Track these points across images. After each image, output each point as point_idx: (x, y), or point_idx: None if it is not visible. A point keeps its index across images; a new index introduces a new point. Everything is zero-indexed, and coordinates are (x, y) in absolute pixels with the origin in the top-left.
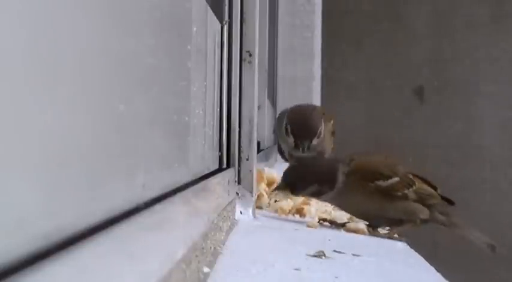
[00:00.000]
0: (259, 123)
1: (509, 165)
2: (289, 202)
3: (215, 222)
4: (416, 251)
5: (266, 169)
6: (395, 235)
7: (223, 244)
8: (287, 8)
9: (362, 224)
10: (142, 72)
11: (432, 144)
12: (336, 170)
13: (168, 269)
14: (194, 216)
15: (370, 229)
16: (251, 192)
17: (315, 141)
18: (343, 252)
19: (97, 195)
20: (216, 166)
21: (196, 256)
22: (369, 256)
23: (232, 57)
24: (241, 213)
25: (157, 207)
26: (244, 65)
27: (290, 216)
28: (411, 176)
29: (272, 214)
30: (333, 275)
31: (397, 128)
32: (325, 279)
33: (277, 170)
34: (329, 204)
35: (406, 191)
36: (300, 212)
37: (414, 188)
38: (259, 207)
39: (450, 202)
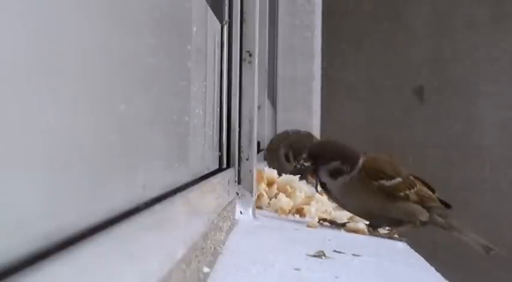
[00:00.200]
0: (259, 123)
1: (509, 165)
2: (289, 202)
3: (215, 222)
4: (416, 251)
5: (266, 169)
6: (396, 235)
7: (223, 244)
8: (287, 8)
9: (362, 224)
10: (142, 72)
11: (432, 144)
12: (358, 153)
13: (168, 269)
14: (194, 216)
15: (370, 229)
16: (251, 192)
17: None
18: (343, 252)
19: (97, 195)
20: (216, 166)
21: (196, 256)
22: (369, 256)
23: (232, 57)
24: (241, 213)
25: (158, 207)
26: (244, 65)
27: (290, 216)
28: (412, 178)
29: (272, 214)
30: (333, 275)
31: (397, 128)
32: (325, 279)
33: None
34: (329, 205)
35: (407, 192)
36: (300, 212)
37: (415, 189)
38: (259, 207)
39: (447, 205)
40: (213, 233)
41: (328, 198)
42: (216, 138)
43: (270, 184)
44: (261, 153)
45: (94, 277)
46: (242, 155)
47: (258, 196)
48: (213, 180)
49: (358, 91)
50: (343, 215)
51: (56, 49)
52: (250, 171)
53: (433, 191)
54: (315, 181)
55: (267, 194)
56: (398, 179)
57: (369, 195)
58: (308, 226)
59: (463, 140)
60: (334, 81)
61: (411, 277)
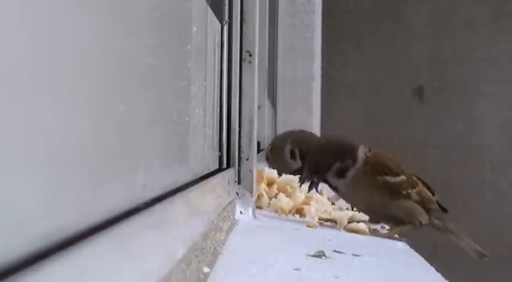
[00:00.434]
0: (259, 123)
1: (509, 165)
2: (289, 202)
3: (215, 222)
4: (416, 251)
5: (266, 169)
6: (396, 235)
7: (223, 244)
8: (287, 8)
9: (363, 224)
10: (142, 72)
11: (432, 144)
12: (354, 146)
13: (168, 269)
14: (194, 216)
15: (371, 229)
16: (251, 192)
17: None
18: (343, 252)
19: (97, 195)
20: (216, 166)
21: (196, 256)
22: (369, 256)
23: (232, 57)
24: (241, 213)
25: (158, 207)
26: (244, 65)
27: (290, 216)
28: (415, 178)
29: (272, 214)
30: (333, 275)
31: (397, 128)
32: (325, 279)
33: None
34: (329, 205)
35: (410, 191)
36: (300, 212)
37: (417, 189)
38: (259, 207)
39: (444, 209)
40: (213, 233)
41: (331, 198)
42: (216, 138)
43: (270, 184)
44: (261, 153)
45: (94, 277)
46: (242, 155)
47: (258, 196)
48: (213, 180)
49: (358, 91)
50: (343, 215)
51: (56, 49)
52: (250, 171)
53: (432, 193)
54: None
55: (267, 194)
56: (403, 177)
57: (373, 190)
58: (308, 226)
59: (463, 140)
60: (334, 81)
61: (411, 277)
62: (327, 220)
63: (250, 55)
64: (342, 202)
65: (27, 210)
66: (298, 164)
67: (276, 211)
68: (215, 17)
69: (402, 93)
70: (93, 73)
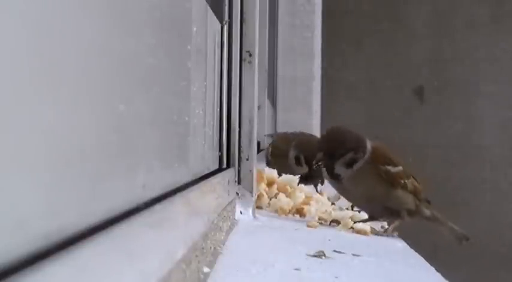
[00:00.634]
0: (259, 123)
1: (509, 165)
2: (289, 202)
3: (215, 222)
4: (416, 251)
5: (266, 169)
6: (395, 233)
7: (223, 244)
8: (287, 8)
9: (368, 226)
10: (142, 72)
11: (432, 144)
12: (364, 137)
13: (168, 269)
14: (194, 216)
15: (373, 229)
16: (251, 192)
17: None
18: (343, 252)
19: (97, 195)
20: (216, 166)
21: (196, 256)
22: (369, 256)
23: (232, 57)
24: (241, 213)
25: (158, 207)
26: (244, 65)
27: (290, 216)
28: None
29: (272, 214)
30: (333, 275)
31: (397, 128)
32: (325, 279)
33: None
34: (329, 204)
35: (406, 181)
36: (300, 212)
37: (411, 180)
38: (259, 207)
39: (428, 201)
40: (213, 233)
41: (331, 198)
42: (216, 138)
43: (270, 184)
44: (261, 153)
45: (94, 277)
46: (242, 155)
47: (258, 196)
48: (213, 180)
49: (358, 91)
50: (343, 215)
51: (56, 49)
52: (250, 171)
53: (418, 183)
54: (314, 184)
55: (267, 194)
56: (400, 168)
57: (375, 180)
58: (308, 226)
59: (463, 140)
60: (334, 81)
61: (411, 277)
62: (332, 221)
63: (250, 55)
64: (342, 202)
65: (27, 210)
66: (304, 169)
67: (276, 211)
68: (215, 17)
69: (402, 93)
70: (94, 73)
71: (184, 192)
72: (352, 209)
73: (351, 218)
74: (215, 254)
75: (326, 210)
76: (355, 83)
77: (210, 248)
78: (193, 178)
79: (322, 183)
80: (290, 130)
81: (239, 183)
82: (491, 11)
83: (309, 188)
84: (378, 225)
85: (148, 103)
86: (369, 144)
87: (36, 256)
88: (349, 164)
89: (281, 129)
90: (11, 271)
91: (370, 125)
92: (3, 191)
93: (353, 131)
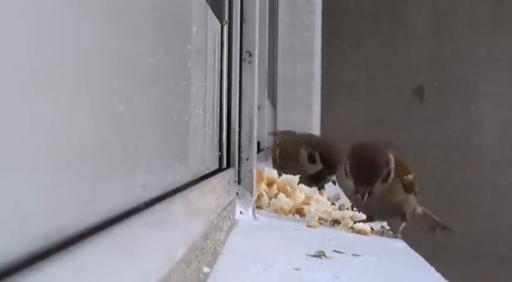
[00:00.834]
0: (259, 123)
1: (509, 165)
2: (289, 202)
3: (215, 222)
4: (416, 251)
5: (266, 169)
6: (399, 234)
7: (223, 244)
8: (287, 8)
9: (368, 226)
10: (142, 72)
11: (432, 144)
12: (387, 150)
13: (168, 269)
14: (194, 216)
15: (373, 229)
16: (251, 192)
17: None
18: (343, 252)
19: (97, 195)
20: (216, 166)
21: (196, 256)
22: (369, 256)
23: (232, 57)
24: (241, 213)
25: (158, 207)
26: (244, 65)
27: (290, 216)
28: None
29: (272, 214)
30: (333, 275)
31: (397, 128)
32: (325, 279)
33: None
34: (329, 205)
35: (416, 188)
36: (300, 212)
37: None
38: (259, 207)
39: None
40: (213, 233)
41: (331, 198)
42: (216, 138)
43: (270, 184)
44: (261, 153)
45: (94, 277)
46: (242, 155)
47: (258, 196)
48: (213, 180)
49: (358, 91)
50: (343, 215)
51: (56, 49)
52: (250, 171)
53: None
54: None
55: (267, 194)
56: (413, 174)
57: (398, 189)
58: (308, 226)
59: (463, 140)
60: (334, 81)
61: (411, 277)
62: (333, 221)
63: (250, 55)
64: (342, 202)
65: (28, 210)
66: (318, 167)
67: (276, 211)
68: (215, 17)
69: (402, 93)
70: (93, 73)
71: (184, 192)
72: (352, 209)
73: (351, 218)
74: (215, 254)
75: (326, 210)
76: (355, 83)
77: (210, 248)
78: (193, 178)
79: (334, 183)
80: (291, 129)
81: (239, 183)
82: (491, 11)
83: (309, 188)
84: (378, 225)
85: (148, 103)
86: (391, 155)
87: (36, 256)
88: (384, 179)
89: (281, 129)
90: (11, 271)
91: (370, 125)
92: (4, 191)
93: (378, 146)
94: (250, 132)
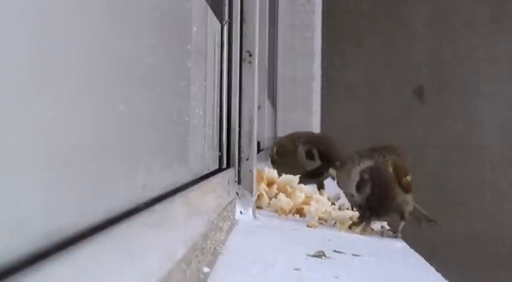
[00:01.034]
0: (259, 123)
1: (509, 165)
2: (289, 202)
3: (215, 222)
4: (416, 251)
5: (266, 169)
6: (399, 234)
7: (223, 244)
8: (287, 8)
9: (347, 215)
10: (142, 72)
11: (432, 144)
12: (392, 184)
13: (168, 269)
14: (194, 216)
15: (372, 229)
16: (251, 192)
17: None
18: (343, 252)
19: (97, 195)
20: (216, 166)
21: (196, 256)
22: (369, 256)
23: (232, 57)
24: (241, 213)
25: (158, 207)
26: (244, 65)
27: (290, 216)
28: None
29: (272, 214)
30: (333, 275)
31: (397, 128)
32: (325, 279)
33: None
34: (329, 205)
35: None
36: (300, 212)
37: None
38: (259, 207)
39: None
40: (213, 233)
41: (331, 198)
42: (216, 138)
43: (270, 184)
44: (261, 153)
45: (94, 277)
46: (242, 155)
47: (258, 196)
48: (213, 180)
49: (358, 91)
50: (343, 215)
51: (56, 49)
52: (250, 171)
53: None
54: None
55: (267, 194)
56: (410, 175)
57: (397, 191)
58: (308, 226)
59: (463, 140)
60: (334, 81)
61: (411, 277)
62: (335, 221)
63: (250, 55)
64: (342, 202)
65: (27, 210)
66: (316, 164)
67: (276, 211)
68: (215, 17)
69: (402, 93)
70: (93, 73)
71: (184, 192)
72: (352, 209)
73: (351, 218)
74: (215, 254)
75: (326, 210)
76: (355, 83)
77: (210, 248)
78: (193, 178)
79: (334, 178)
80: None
81: (239, 183)
82: (491, 11)
83: (309, 188)
84: (377, 225)
85: (148, 103)
86: (390, 166)
87: (36, 256)
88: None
89: (282, 129)
90: (11, 271)
91: (370, 125)
92: (4, 191)
93: (383, 168)
94: (250, 132)
